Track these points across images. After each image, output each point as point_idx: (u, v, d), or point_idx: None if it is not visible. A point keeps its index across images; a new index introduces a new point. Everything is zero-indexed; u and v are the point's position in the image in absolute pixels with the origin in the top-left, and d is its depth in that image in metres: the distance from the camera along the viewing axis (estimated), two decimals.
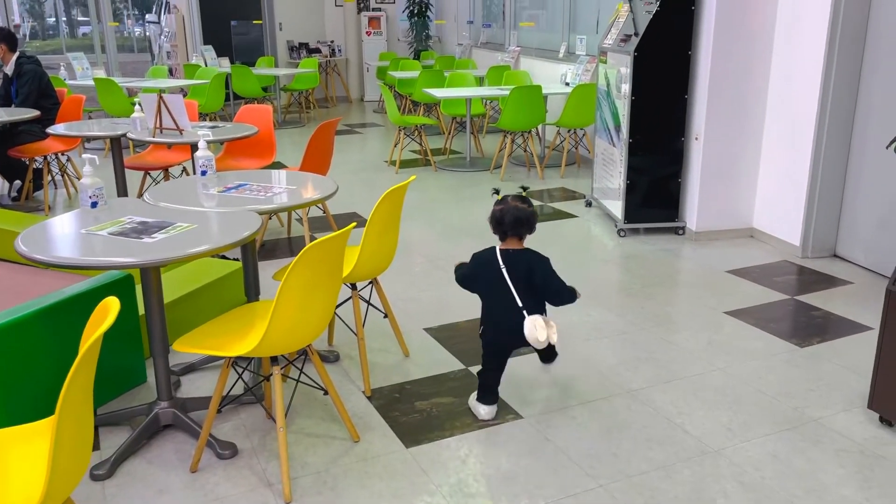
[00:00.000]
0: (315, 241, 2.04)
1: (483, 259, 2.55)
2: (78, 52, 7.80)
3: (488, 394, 2.62)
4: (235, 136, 4.36)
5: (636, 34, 4.46)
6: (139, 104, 4.32)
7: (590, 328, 3.35)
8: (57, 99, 5.80)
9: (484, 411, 2.60)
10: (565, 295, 2.56)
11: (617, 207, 4.86)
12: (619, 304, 3.63)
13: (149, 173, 5.13)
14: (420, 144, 7.25)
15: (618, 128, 4.77)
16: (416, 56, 11.33)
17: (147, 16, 18.80)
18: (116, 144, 4.59)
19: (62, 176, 5.62)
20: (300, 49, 11.24)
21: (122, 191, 4.72)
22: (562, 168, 6.57)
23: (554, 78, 7.60)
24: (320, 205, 4.69)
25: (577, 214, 5.28)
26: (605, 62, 5.01)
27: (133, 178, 5.44)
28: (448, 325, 3.39)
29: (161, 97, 4.14)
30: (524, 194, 2.61)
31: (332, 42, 11.75)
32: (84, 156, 2.52)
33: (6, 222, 4.00)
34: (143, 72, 8.87)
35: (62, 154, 5.49)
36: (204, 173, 3.07)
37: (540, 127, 7.12)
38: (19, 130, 5.45)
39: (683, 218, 4.73)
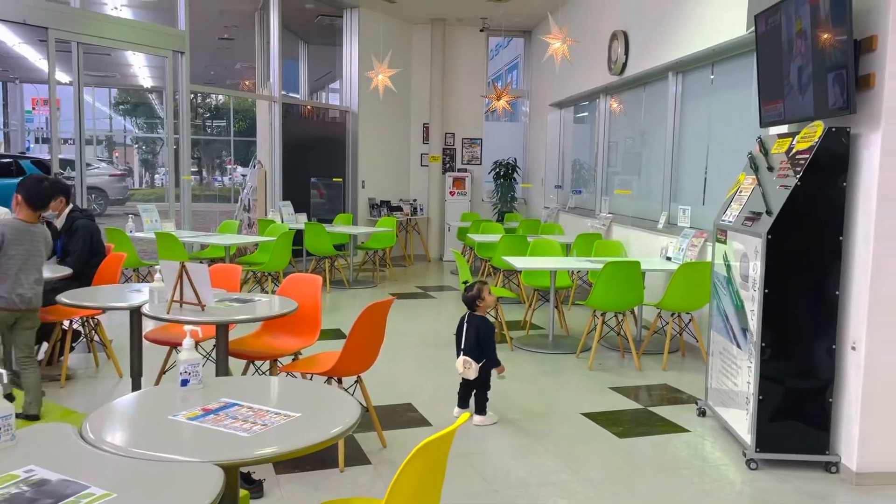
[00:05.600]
0: None
1: (461, 318, 4.24)
2: (150, 205, 7.58)
3: (459, 399, 4.26)
4: (269, 316, 3.63)
5: (768, 212, 3.56)
6: (160, 272, 3.69)
7: None
8: (105, 255, 5.35)
9: (455, 411, 4.28)
10: (491, 357, 4.12)
11: (742, 424, 3.75)
12: None
13: (175, 348, 4.44)
14: (496, 318, 6.39)
15: (743, 326, 3.77)
16: (500, 218, 10.80)
17: (239, 169, 19.60)
18: (136, 316, 3.94)
19: (89, 342, 5.04)
20: (381, 207, 10.92)
21: (137, 370, 4.01)
22: (664, 358, 5.51)
23: (652, 251, 6.72)
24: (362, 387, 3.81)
25: (688, 427, 4.17)
26: (724, 242, 4.09)
27: (158, 353, 4.70)
28: None
29: (183, 266, 3.49)
30: (468, 284, 4.37)
31: (414, 200, 11.42)
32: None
33: None
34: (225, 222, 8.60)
35: (92, 318, 4.92)
36: (185, 383, 2.27)
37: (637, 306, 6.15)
38: (53, 289, 4.95)
39: (837, 450, 3.55)
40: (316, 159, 10.44)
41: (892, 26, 3.20)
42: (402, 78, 10.20)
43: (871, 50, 3.29)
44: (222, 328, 3.58)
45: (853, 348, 3.46)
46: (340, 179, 10.68)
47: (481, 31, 11.28)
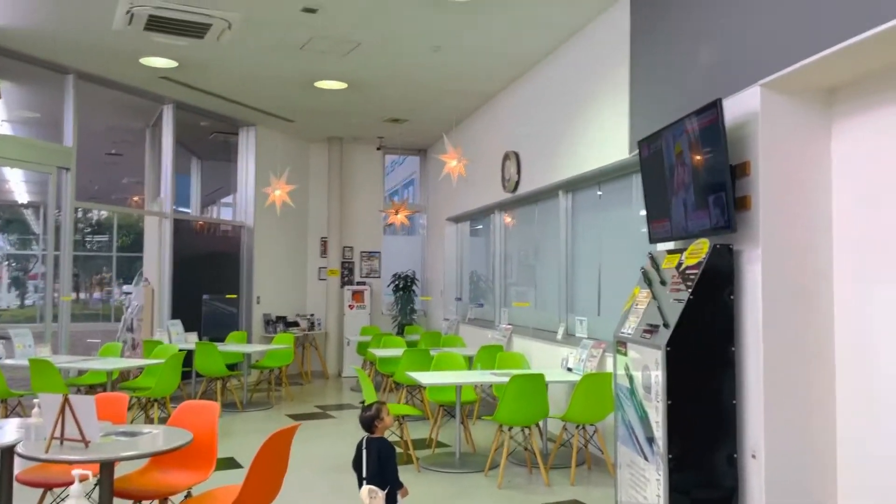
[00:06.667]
0: None
1: (357, 445, 3.83)
2: (23, 328, 7.01)
3: None
4: (162, 450, 3.35)
5: (665, 325, 3.72)
6: (38, 406, 3.36)
7: None
8: None
9: None
10: (393, 481, 3.74)
11: None
12: None
13: (50, 490, 3.99)
14: (401, 437, 6.20)
15: (649, 436, 3.82)
16: (401, 331, 10.73)
17: (125, 286, 18.60)
18: (7, 456, 3.53)
19: None
20: (277, 323, 10.61)
21: None
22: (571, 472, 5.48)
23: (552, 362, 6.82)
24: None
25: None
26: (625, 354, 4.21)
27: (32, 495, 4.22)
28: None
29: (66, 399, 3.19)
30: (365, 405, 3.98)
31: (311, 315, 11.19)
32: None
33: None
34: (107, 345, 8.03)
35: None
36: None
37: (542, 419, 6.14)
38: None
39: None
40: (208, 275, 10.11)
41: (762, 153, 3.53)
42: (300, 193, 10.23)
43: (745, 175, 3.60)
44: (107, 467, 3.26)
45: (753, 457, 3.56)
46: (235, 296, 10.35)
47: (378, 149, 11.60)
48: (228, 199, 14.32)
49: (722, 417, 3.65)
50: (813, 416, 3.55)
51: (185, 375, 8.22)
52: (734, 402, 3.65)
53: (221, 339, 9.25)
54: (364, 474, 3.86)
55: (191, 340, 8.62)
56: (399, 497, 3.96)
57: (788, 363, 3.54)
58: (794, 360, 3.54)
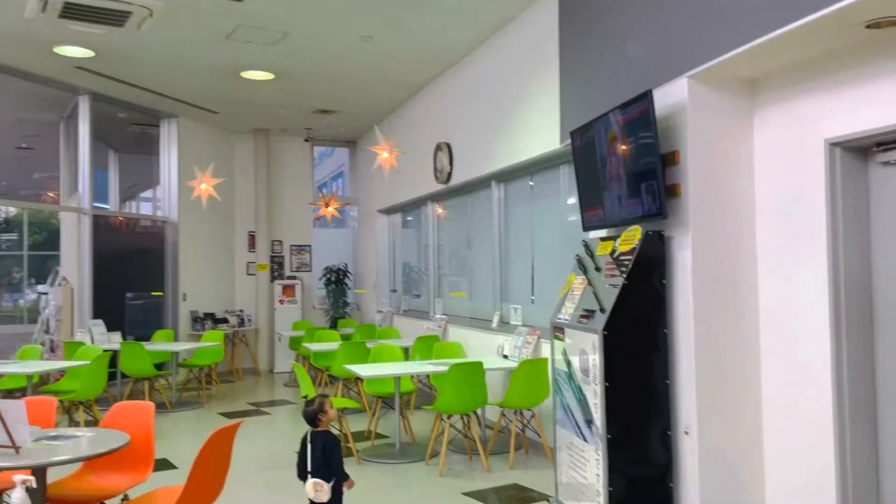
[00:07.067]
0: None
1: (302, 439, 3.77)
2: None
3: None
4: (96, 453, 3.23)
5: (601, 310, 3.83)
6: None
7: None
8: None
9: None
10: (339, 472, 3.71)
11: None
12: None
13: None
14: (340, 430, 6.17)
15: (588, 418, 3.94)
16: (333, 324, 10.64)
17: (39, 286, 17.66)
18: None
19: None
20: (205, 320, 10.34)
21: None
22: (510, 457, 5.59)
23: (488, 350, 6.91)
24: None
25: None
26: (562, 339, 4.31)
27: None
28: None
29: None
30: (308, 399, 3.94)
31: (241, 311, 10.96)
32: None
33: None
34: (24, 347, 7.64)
35: None
36: None
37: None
38: None
39: None
40: (131, 273, 9.75)
41: (690, 143, 3.68)
42: (226, 186, 10.00)
43: (674, 163, 3.74)
44: (40, 472, 3.13)
45: (686, 433, 3.73)
46: (161, 293, 10.02)
47: (306, 140, 11.43)
48: (148, 194, 13.83)
49: (656, 397, 3.80)
50: (741, 392, 3.74)
51: (110, 377, 7.93)
52: (667, 381, 3.80)
53: (147, 339, 8.96)
54: (308, 468, 3.84)
55: (115, 340, 8.32)
56: (345, 488, 3.95)
57: (717, 344, 3.70)
58: (722, 341, 3.72)
